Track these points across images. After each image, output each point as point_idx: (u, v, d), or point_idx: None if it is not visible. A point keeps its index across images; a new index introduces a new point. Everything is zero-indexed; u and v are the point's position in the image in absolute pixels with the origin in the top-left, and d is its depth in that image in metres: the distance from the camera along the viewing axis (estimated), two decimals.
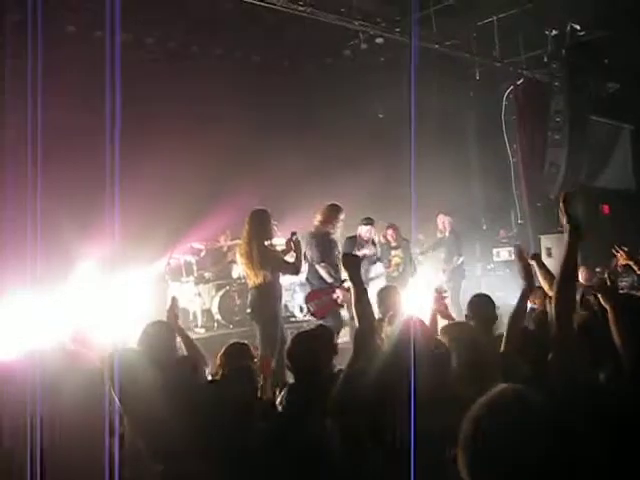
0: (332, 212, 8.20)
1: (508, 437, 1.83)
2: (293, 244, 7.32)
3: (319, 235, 8.06)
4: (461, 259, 11.43)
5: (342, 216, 8.21)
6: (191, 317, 10.78)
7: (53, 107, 8.15)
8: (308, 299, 8.04)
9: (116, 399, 2.59)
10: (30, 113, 7.39)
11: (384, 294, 6.19)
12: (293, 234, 7.41)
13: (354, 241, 8.82)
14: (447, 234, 11.65)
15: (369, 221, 9.02)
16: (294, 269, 7.38)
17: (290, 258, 7.43)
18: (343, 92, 12.90)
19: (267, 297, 7.19)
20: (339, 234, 8.31)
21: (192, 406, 3.23)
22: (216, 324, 10.79)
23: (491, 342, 4.57)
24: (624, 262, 6.81)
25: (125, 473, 2.62)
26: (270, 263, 7.14)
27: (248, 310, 7.38)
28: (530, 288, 4.32)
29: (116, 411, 2.52)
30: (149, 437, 2.85)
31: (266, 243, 7.23)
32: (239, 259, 7.48)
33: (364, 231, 8.95)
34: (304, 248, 7.81)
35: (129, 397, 2.83)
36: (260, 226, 7.25)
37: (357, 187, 10.89)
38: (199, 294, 10.83)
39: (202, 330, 10.53)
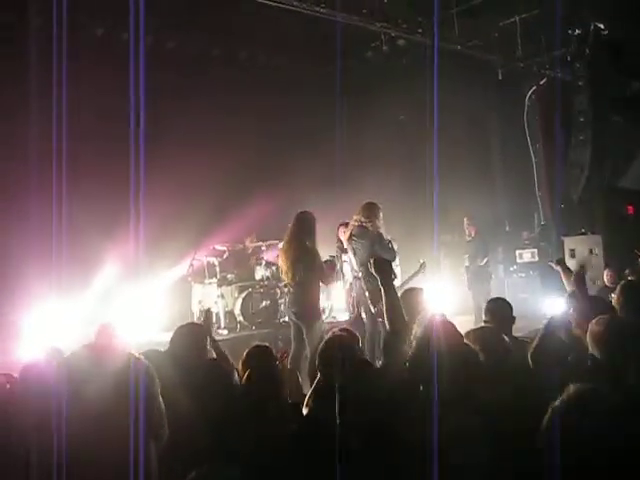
0: (376, 210, 8.12)
1: (588, 431, 1.97)
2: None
3: (377, 235, 7.96)
4: (485, 260, 11.41)
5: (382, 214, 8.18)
6: (214, 319, 10.79)
7: (78, 113, 8.21)
8: (375, 299, 7.49)
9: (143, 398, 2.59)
10: (55, 119, 7.45)
11: (407, 296, 6.16)
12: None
13: None
14: (473, 235, 11.65)
15: None
16: (326, 278, 7.52)
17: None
18: (365, 95, 12.87)
19: (307, 292, 7.30)
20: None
21: (221, 410, 3.23)
22: (239, 325, 10.80)
23: (512, 345, 4.56)
24: None
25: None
26: (303, 261, 7.26)
27: (292, 309, 7.41)
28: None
29: (142, 409, 2.52)
30: (178, 442, 2.85)
31: (307, 244, 7.33)
32: (280, 257, 7.61)
33: None
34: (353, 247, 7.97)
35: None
36: (301, 227, 7.40)
37: (377, 192, 10.84)
38: (222, 296, 10.84)
39: (225, 332, 10.53)
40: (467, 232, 11.77)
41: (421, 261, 8.70)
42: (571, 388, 2.11)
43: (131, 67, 6.82)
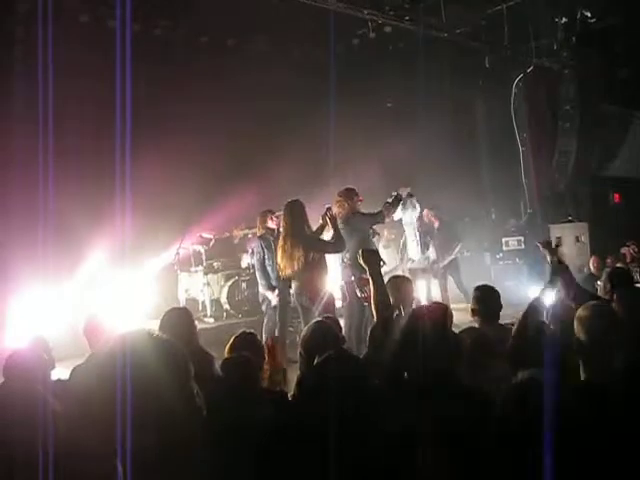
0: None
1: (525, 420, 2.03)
2: (329, 220, 7.11)
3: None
4: (459, 246, 10.92)
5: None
6: (200, 307, 10.79)
7: (64, 98, 8.15)
8: (361, 283, 7.36)
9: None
10: (41, 104, 7.39)
11: (394, 284, 6.15)
12: (328, 209, 7.18)
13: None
14: (436, 227, 11.13)
15: None
16: (333, 247, 7.20)
17: (327, 236, 7.26)
18: (352, 82, 12.83)
19: (316, 277, 7.07)
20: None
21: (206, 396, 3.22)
22: (225, 314, 10.80)
23: (498, 331, 4.59)
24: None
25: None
26: (304, 250, 7.00)
27: (304, 295, 7.12)
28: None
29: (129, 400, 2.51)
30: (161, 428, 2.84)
31: (304, 231, 7.09)
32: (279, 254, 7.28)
33: None
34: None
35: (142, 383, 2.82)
36: (294, 217, 7.16)
37: (362, 178, 10.81)
38: (208, 284, 10.84)
39: (211, 320, 10.54)
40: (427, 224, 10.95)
41: (394, 194, 8.36)
42: (518, 376, 2.13)
43: (117, 53, 6.78)
